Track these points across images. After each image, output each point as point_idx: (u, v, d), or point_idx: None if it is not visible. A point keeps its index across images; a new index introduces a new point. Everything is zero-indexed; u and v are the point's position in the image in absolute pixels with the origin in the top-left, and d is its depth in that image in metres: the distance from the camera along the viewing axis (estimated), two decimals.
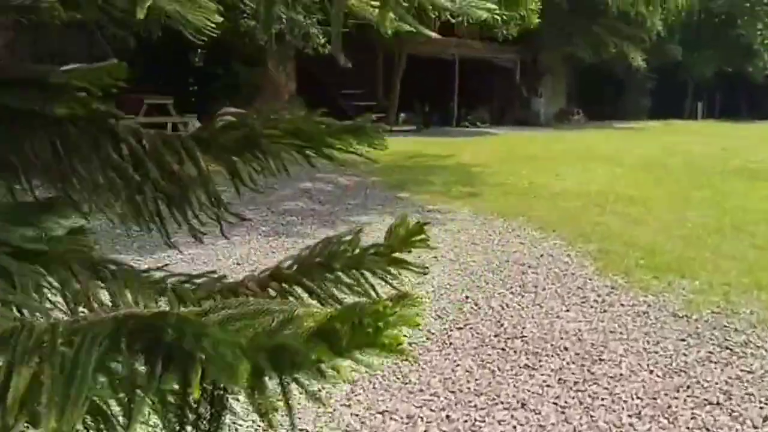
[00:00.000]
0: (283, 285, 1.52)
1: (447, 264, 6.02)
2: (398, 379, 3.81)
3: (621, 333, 4.55)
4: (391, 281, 1.57)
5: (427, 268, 1.75)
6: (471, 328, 4.58)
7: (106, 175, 1.44)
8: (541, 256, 6.37)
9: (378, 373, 3.85)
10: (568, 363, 4.08)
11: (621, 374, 3.93)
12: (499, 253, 6.44)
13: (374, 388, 3.70)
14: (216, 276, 1.56)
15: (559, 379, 3.87)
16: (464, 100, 23.25)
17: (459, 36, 20.89)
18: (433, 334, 4.45)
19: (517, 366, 4.02)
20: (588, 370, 3.98)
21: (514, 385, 3.77)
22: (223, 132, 1.52)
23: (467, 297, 5.16)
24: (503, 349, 4.25)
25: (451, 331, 4.52)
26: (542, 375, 3.92)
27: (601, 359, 4.14)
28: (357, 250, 1.57)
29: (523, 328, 4.59)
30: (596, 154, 15.15)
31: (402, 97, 20.47)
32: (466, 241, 6.85)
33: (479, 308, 4.93)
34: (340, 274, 1.54)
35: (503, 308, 4.95)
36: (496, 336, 4.45)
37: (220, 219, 1.60)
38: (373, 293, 1.57)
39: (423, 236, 1.57)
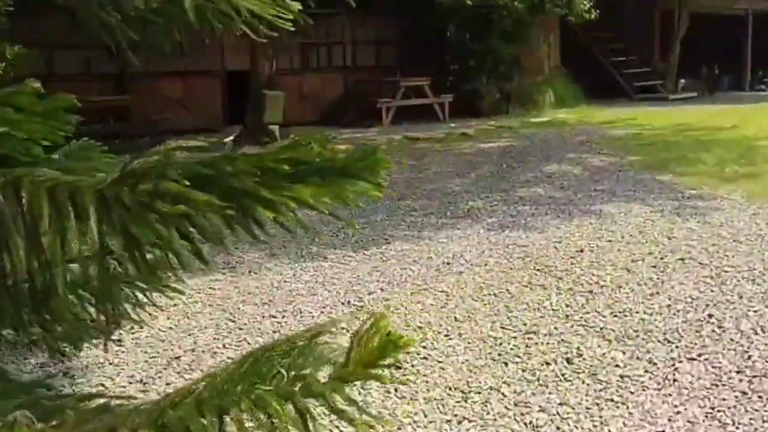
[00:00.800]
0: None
1: (695, 268, 5.01)
2: (595, 426, 3.08)
3: None
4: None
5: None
6: (707, 359, 3.66)
7: None
8: None
9: (570, 415, 3.15)
10: None
11: None
12: (767, 255, 5.25)
13: None
14: (101, 403, 1.07)
15: None
16: (760, 60, 20.46)
17: None
18: (654, 364, 3.61)
19: (759, 419, 3.09)
20: None
21: None
22: (136, 183, 1.02)
23: (710, 315, 4.18)
24: (744, 393, 3.30)
25: (680, 362, 3.64)
26: None
27: None
28: (300, 370, 0.99)
29: None
30: None
31: (682, 60, 18.46)
32: (727, 238, 5.71)
33: (723, 331, 3.96)
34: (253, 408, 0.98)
35: (756, 333, 3.92)
36: (738, 372, 3.50)
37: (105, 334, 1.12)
38: None
39: (393, 360, 0.96)
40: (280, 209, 0.98)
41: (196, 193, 0.92)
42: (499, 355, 3.77)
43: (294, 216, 1.00)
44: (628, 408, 3.22)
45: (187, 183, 0.94)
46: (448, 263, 5.34)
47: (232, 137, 11.68)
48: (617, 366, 3.62)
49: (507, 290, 4.74)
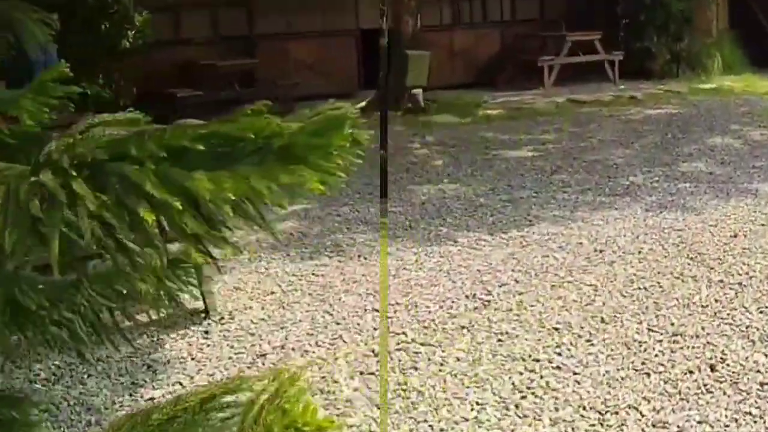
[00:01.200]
0: None
1: None
2: None
3: None
4: None
5: None
6: None
7: None
8: None
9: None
10: None
11: None
12: None
13: None
14: None
15: None
16: None
17: None
18: None
19: None
20: None
21: None
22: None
23: None
24: None
25: None
26: None
27: None
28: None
29: None
30: None
31: None
32: None
33: None
34: None
35: None
36: None
37: None
38: None
39: None
40: (165, 210, 0.78)
41: (81, 188, 0.76)
42: (643, 363, 3.54)
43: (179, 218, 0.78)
44: (765, 423, 3.04)
45: (74, 173, 0.79)
46: (600, 251, 5.05)
47: (362, 104, 9.13)
48: (758, 372, 3.40)
49: (658, 283, 4.46)
